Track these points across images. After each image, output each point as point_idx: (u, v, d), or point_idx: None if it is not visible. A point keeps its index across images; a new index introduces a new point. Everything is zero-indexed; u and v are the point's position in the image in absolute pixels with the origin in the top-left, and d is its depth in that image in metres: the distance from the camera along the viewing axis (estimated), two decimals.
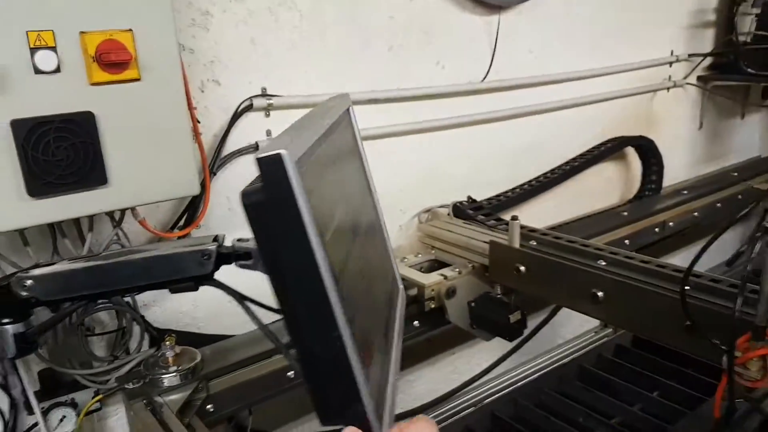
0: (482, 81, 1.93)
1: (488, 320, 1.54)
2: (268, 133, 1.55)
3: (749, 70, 2.40)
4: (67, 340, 1.33)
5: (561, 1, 2.06)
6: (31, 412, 1.34)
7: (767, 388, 0.93)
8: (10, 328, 0.88)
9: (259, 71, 1.50)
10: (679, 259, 2.59)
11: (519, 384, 2.04)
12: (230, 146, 1.50)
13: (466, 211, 1.82)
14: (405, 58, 1.75)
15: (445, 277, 1.55)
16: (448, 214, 1.86)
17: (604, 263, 1.32)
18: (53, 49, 0.97)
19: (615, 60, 2.28)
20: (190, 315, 1.57)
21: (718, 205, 2.30)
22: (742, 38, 2.44)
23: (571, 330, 2.34)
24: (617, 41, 2.28)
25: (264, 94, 1.51)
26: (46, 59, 0.97)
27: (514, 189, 2.09)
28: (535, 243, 1.50)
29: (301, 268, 0.54)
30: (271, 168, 0.52)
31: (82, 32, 0.99)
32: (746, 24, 2.45)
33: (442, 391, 1.93)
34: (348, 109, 1.06)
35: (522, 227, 1.52)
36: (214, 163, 1.47)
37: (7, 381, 1.31)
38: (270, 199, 0.53)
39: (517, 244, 1.49)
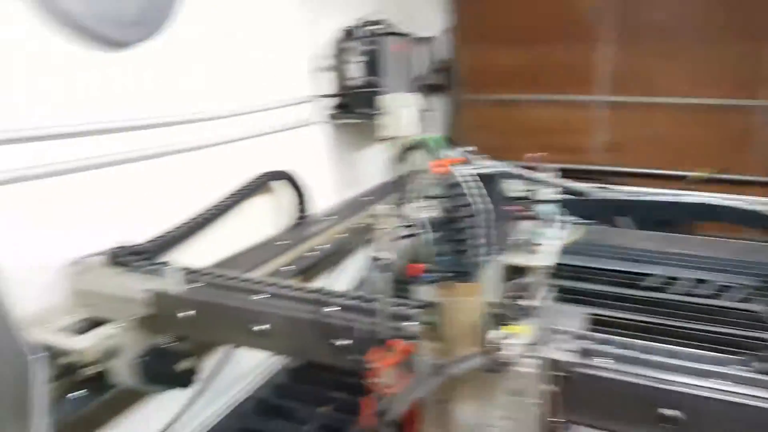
0: (109, 121, 1.83)
1: (157, 374, 1.48)
2: None
3: (358, 110, 2.89)
4: None
5: (190, 41, 2.09)
6: None
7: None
8: None
9: None
10: (336, 276, 2.93)
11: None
12: None
13: (122, 257, 1.69)
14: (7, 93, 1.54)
15: (106, 337, 1.42)
16: (103, 265, 1.70)
17: (263, 296, 1.41)
18: None
19: (247, 102, 2.42)
20: None
21: (360, 225, 2.71)
22: (353, 82, 2.90)
23: (253, 359, 2.40)
24: (248, 82, 2.43)
25: None
26: None
27: (175, 228, 2.05)
28: (200, 284, 1.51)
29: None
30: None
31: None
32: (354, 69, 2.92)
33: None
34: None
35: (184, 269, 1.51)
36: None
37: None
38: None
39: (178, 290, 1.46)
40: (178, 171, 2.08)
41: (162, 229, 1.99)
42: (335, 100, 2.96)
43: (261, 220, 2.52)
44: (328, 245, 2.53)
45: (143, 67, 1.91)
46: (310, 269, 2.46)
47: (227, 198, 2.27)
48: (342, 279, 2.98)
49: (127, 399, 1.86)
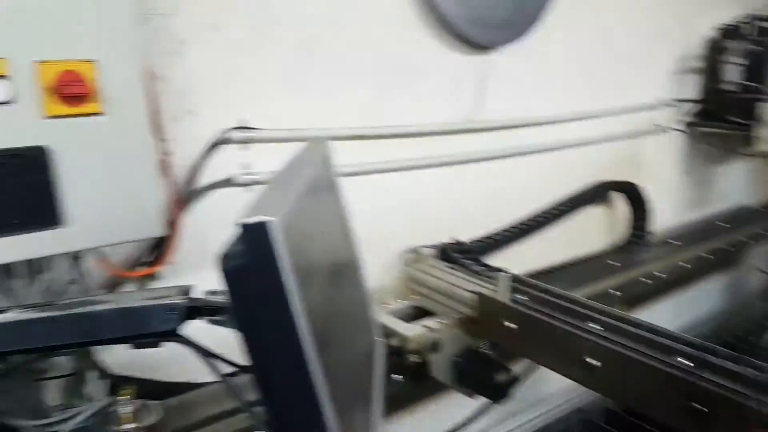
0: (468, 120, 1.87)
1: (473, 379, 1.45)
2: (245, 166, 1.46)
3: (727, 119, 2.40)
4: (14, 384, 1.20)
5: (548, 44, 2.01)
6: None
7: None
8: None
9: (236, 103, 1.41)
10: (666, 309, 2.54)
11: None
12: (204, 179, 1.40)
13: (451, 254, 1.73)
14: (390, 95, 1.69)
15: (430, 329, 1.45)
16: (434, 256, 1.77)
17: (597, 327, 1.24)
18: (7, 78, 0.87)
19: (602, 103, 2.24)
20: (152, 356, 1.45)
21: (709, 256, 2.25)
22: (726, 87, 2.44)
23: (554, 383, 2.25)
24: (604, 84, 2.25)
25: (241, 127, 1.42)
26: None
27: (501, 231, 2.02)
28: (524, 297, 1.42)
29: (281, 335, 0.54)
30: (256, 236, 0.52)
31: (38, 61, 0.89)
32: (731, 72, 2.45)
33: None
34: (326, 156, 0.99)
35: (511, 276, 1.44)
36: (186, 197, 1.37)
37: None
38: (253, 266, 0.53)
39: (505, 299, 1.40)
40: (510, 173, 2.04)
41: (487, 231, 1.99)
42: (697, 107, 2.53)
43: (591, 233, 2.31)
44: (665, 275, 2.17)
45: (503, 69, 1.91)
46: (639, 298, 2.16)
47: (559, 205, 2.14)
48: (681, 315, 2.57)
49: (438, 387, 1.92)
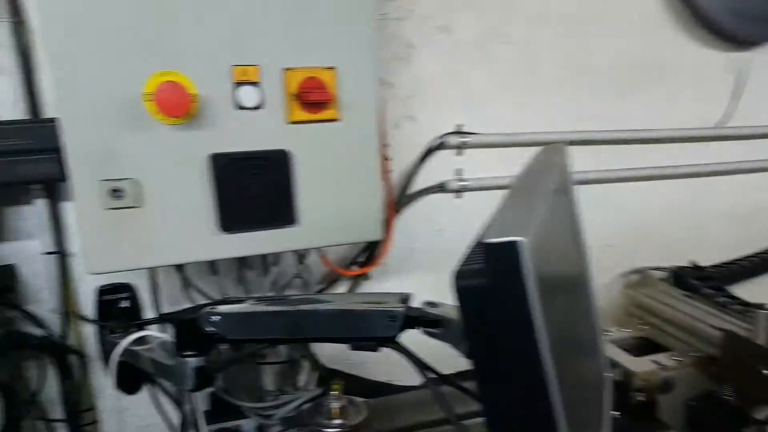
0: (717, 126, 1.60)
1: (711, 428, 1.22)
2: (458, 172, 1.42)
3: None
4: (239, 367, 1.32)
5: None
6: None
7: None
8: (192, 361, 0.88)
9: (456, 107, 1.38)
10: None
11: None
12: (417, 184, 1.40)
13: (689, 280, 1.49)
14: (628, 96, 1.51)
15: (661, 366, 1.26)
16: (665, 281, 1.55)
17: None
18: (257, 85, 0.94)
19: None
20: (357, 354, 1.50)
21: None
22: None
23: None
24: None
25: (459, 132, 1.39)
26: (248, 95, 0.93)
27: (748, 257, 1.70)
28: None
29: (521, 362, 0.51)
30: (502, 256, 0.48)
31: (286, 69, 0.94)
32: None
33: None
34: (564, 163, 0.90)
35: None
36: (399, 201, 1.37)
37: (181, 396, 1.33)
38: (495, 288, 0.50)
39: (763, 341, 1.16)
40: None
41: (730, 256, 1.69)
42: None
43: None
44: None
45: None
46: None
47: None
48: None
49: None
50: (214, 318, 0.82)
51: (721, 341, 1.23)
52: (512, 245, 0.48)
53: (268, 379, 1.39)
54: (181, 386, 0.91)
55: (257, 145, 0.96)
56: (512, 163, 1.43)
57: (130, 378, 1.02)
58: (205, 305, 0.84)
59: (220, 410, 1.35)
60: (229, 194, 0.96)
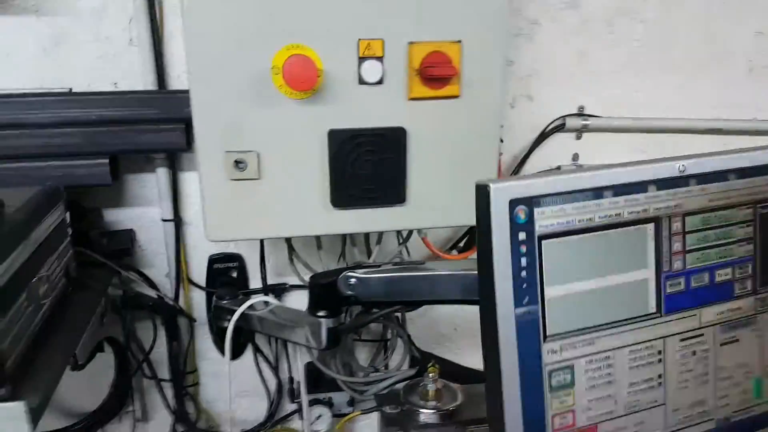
0: None
1: None
2: (575, 157, 1.34)
3: None
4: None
5: None
6: (292, 400, 1.38)
7: None
8: (327, 321, 0.93)
9: (578, 88, 1.29)
10: None
11: None
12: (528, 169, 1.33)
13: None
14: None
15: None
16: None
17: None
18: (380, 59, 0.90)
19: None
20: (449, 338, 1.47)
21: None
22: None
23: None
24: None
25: (580, 114, 1.30)
26: (372, 70, 0.90)
27: None
28: None
29: None
30: None
31: (410, 42, 0.90)
32: None
33: None
34: None
35: None
36: None
37: (278, 365, 1.36)
38: None
39: None
40: None
41: None
42: None
43: None
44: None
45: None
46: None
47: None
48: None
49: None
50: (352, 281, 0.88)
51: None
52: None
53: (360, 355, 1.40)
54: (312, 345, 0.96)
55: (376, 122, 0.93)
56: (635, 150, 1.35)
57: (235, 343, 1.06)
58: (343, 270, 0.90)
59: (311, 382, 1.37)
60: (343, 170, 0.95)
